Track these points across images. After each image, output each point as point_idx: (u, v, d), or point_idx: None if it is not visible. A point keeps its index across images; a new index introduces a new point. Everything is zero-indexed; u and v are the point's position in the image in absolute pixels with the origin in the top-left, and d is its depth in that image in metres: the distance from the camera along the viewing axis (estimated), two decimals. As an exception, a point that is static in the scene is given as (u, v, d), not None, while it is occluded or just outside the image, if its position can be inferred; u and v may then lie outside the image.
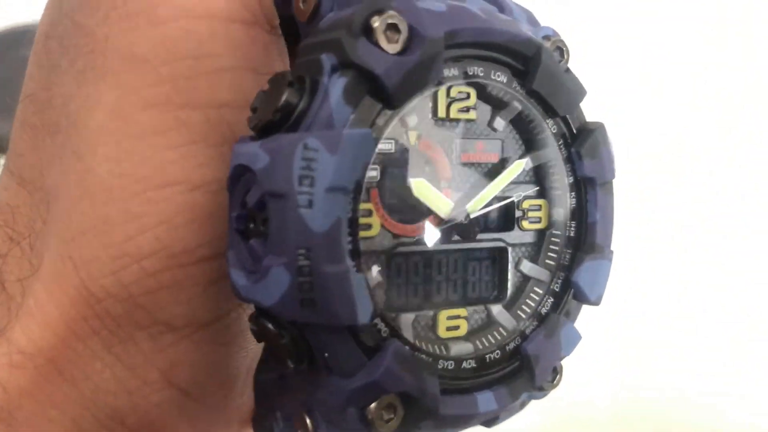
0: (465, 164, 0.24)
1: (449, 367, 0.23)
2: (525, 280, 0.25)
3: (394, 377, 0.21)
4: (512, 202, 0.25)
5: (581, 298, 0.25)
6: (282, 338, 0.20)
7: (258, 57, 0.23)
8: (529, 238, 0.25)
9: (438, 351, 0.23)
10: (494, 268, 0.25)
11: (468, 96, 0.24)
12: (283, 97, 0.20)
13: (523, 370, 0.24)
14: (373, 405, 0.21)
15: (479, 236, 0.24)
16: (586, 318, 0.26)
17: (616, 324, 0.56)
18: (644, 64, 0.67)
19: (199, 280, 0.22)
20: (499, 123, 0.25)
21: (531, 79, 0.24)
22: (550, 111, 0.24)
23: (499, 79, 0.23)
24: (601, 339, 0.59)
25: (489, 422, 0.25)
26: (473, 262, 0.25)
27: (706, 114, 0.66)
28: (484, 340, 0.24)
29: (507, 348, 0.24)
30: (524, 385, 0.24)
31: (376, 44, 0.20)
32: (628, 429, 0.57)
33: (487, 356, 0.24)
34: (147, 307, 0.22)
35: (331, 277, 0.19)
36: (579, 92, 0.25)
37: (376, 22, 0.20)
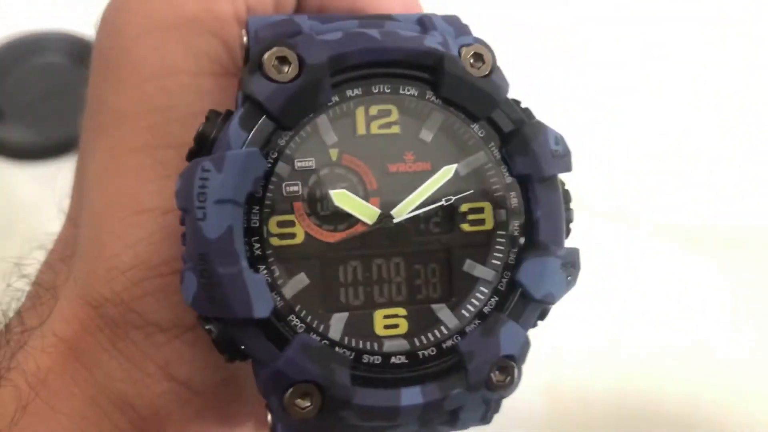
0: (395, 174, 0.26)
1: (375, 362, 0.25)
2: (471, 280, 0.26)
3: (297, 367, 0.23)
4: (451, 206, 0.26)
5: (527, 297, 0.25)
6: (212, 333, 0.24)
7: (226, 99, 0.27)
8: (475, 239, 0.26)
9: (367, 347, 0.25)
10: (437, 270, 0.26)
11: (389, 112, 0.26)
12: (199, 129, 0.24)
13: (457, 367, 0.25)
14: (288, 393, 0.23)
15: (421, 240, 0.26)
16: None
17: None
18: (644, 64, 0.68)
19: (178, 288, 0.25)
20: (426, 134, 0.26)
21: (440, 88, 0.25)
22: (471, 116, 0.26)
23: (409, 93, 0.25)
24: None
25: (452, 422, 0.26)
26: (414, 264, 0.26)
27: (706, 114, 0.66)
28: (423, 338, 0.25)
29: (444, 345, 0.25)
30: (457, 381, 0.25)
31: (267, 76, 0.24)
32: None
33: (421, 353, 0.25)
34: (137, 310, 0.26)
35: (225, 278, 0.23)
36: (496, 94, 0.26)
37: (266, 57, 0.24)
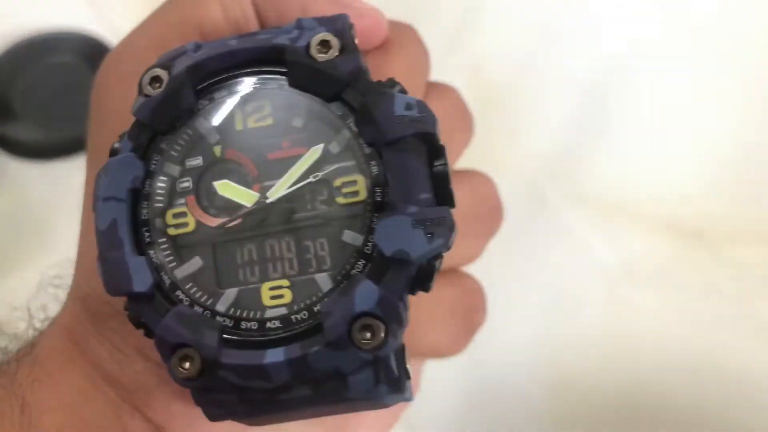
0: (273, 161, 0.29)
1: (252, 327, 0.27)
2: (348, 248, 0.28)
3: (171, 331, 0.27)
4: (328, 182, 0.28)
5: (382, 255, 0.26)
6: (127, 312, 0.28)
7: None
8: (352, 210, 0.28)
9: (248, 315, 0.28)
10: (324, 244, 0.28)
11: (263, 107, 0.29)
12: (112, 146, 0.29)
13: (319, 327, 0.26)
14: (173, 357, 0.27)
15: (306, 217, 0.28)
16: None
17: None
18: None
19: None
20: (298, 121, 0.29)
21: (290, 77, 0.29)
22: (325, 98, 0.28)
23: (271, 87, 0.29)
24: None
25: (345, 387, 0.27)
26: (303, 240, 0.28)
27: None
28: (300, 304, 0.28)
29: (314, 308, 0.27)
30: (316, 339, 0.26)
31: (144, 95, 0.29)
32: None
33: (293, 317, 0.27)
34: (111, 302, 0.30)
35: (111, 260, 0.28)
36: (339, 75, 0.28)
37: (143, 79, 0.29)
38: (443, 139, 0.30)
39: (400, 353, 0.28)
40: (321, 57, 0.28)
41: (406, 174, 0.27)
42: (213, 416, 0.28)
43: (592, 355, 0.55)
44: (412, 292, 0.27)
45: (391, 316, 0.26)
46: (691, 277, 0.58)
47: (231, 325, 0.27)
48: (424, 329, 0.35)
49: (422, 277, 0.27)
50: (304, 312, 0.27)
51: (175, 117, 0.29)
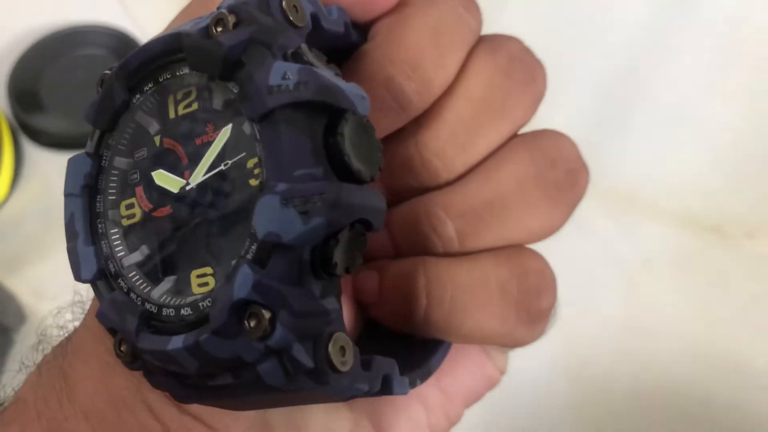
0: (200, 146, 0.28)
1: (170, 314, 0.27)
2: (249, 231, 0.26)
3: (104, 316, 0.28)
4: (242, 164, 0.27)
5: (257, 238, 0.25)
6: None
7: None
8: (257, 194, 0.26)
9: (174, 302, 0.28)
10: (243, 228, 0.26)
11: (190, 93, 0.29)
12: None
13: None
14: (114, 341, 0.28)
15: (231, 201, 0.27)
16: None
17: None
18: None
19: None
20: (217, 103, 0.28)
21: (189, 62, 0.27)
22: (219, 77, 0.27)
23: (184, 72, 0.28)
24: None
25: (258, 377, 0.26)
26: (230, 225, 0.27)
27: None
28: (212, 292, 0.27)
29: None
30: (206, 327, 0.25)
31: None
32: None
33: (201, 304, 0.26)
34: None
35: (69, 250, 0.29)
36: (218, 52, 0.26)
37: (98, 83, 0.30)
38: (497, 100, 0.28)
39: (321, 343, 0.25)
40: (218, 35, 0.26)
41: (278, 149, 0.25)
42: (179, 398, 0.29)
43: (610, 347, 0.55)
44: (317, 276, 0.25)
45: (275, 302, 0.24)
46: (709, 271, 0.58)
47: (155, 311, 0.28)
48: (462, 312, 0.32)
49: (322, 261, 0.25)
50: (209, 300, 0.26)
51: (114, 114, 0.29)
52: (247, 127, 0.27)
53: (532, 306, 0.33)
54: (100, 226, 0.30)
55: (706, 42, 0.60)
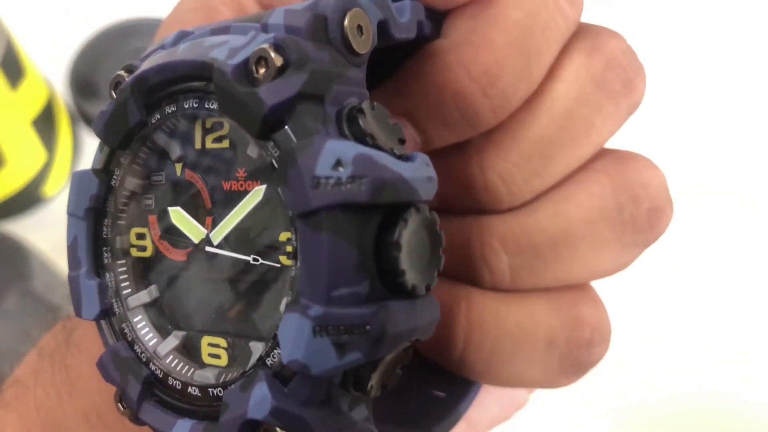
0: (228, 192, 0.24)
1: (176, 386, 0.24)
2: (277, 317, 0.22)
3: (104, 370, 0.25)
4: (274, 233, 0.22)
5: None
6: None
7: None
8: (291, 273, 0.21)
9: (182, 372, 0.24)
10: (267, 304, 0.23)
11: (222, 125, 0.24)
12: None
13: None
14: (115, 393, 0.25)
15: (256, 269, 0.23)
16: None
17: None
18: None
19: None
20: (253, 149, 0.23)
21: (219, 103, 0.22)
22: (251, 134, 0.21)
23: (213, 107, 0.22)
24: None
25: None
26: (252, 294, 0.23)
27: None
28: (224, 376, 0.23)
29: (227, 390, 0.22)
30: (213, 429, 0.22)
31: (112, 102, 0.25)
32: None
33: (210, 390, 0.23)
34: None
35: (71, 280, 0.26)
36: (261, 110, 0.20)
37: (111, 84, 0.25)
38: (583, 116, 0.24)
39: None
40: (259, 79, 0.21)
41: (318, 260, 0.20)
42: None
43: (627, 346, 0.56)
44: (346, 389, 0.21)
45: (295, 427, 0.21)
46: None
47: (160, 376, 0.24)
48: (501, 361, 0.28)
49: (356, 382, 0.21)
50: (220, 389, 0.23)
51: (128, 133, 0.24)
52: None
53: (580, 359, 0.29)
54: (105, 255, 0.25)
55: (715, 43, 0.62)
